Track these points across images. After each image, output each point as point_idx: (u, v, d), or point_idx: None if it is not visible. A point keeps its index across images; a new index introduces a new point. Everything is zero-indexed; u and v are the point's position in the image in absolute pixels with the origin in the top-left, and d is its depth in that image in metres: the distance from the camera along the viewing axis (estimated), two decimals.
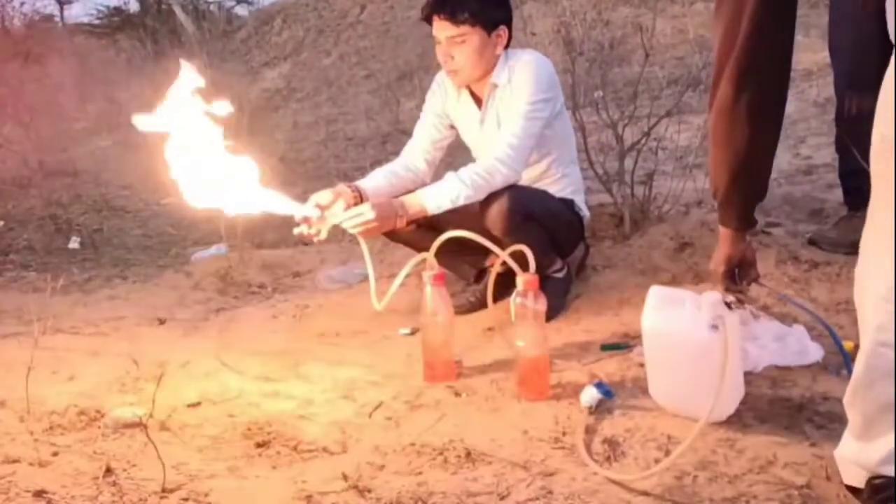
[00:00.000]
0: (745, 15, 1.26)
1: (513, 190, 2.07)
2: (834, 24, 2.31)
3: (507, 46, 2.20)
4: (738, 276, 1.50)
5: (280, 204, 1.95)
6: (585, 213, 2.34)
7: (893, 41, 1.12)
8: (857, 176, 2.27)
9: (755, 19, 1.26)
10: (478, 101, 2.27)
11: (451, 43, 2.14)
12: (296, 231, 2.02)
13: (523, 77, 2.15)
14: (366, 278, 2.48)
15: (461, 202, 2.03)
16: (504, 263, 1.87)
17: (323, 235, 2.01)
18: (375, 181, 2.22)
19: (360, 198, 2.12)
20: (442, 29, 2.14)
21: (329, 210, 2.01)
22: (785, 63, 1.34)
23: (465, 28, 2.12)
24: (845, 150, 2.36)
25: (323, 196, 2.04)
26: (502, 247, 1.88)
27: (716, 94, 1.36)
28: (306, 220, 1.99)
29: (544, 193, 2.22)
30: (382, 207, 2.00)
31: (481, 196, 2.05)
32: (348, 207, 2.03)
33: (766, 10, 1.26)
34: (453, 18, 2.11)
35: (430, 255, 1.91)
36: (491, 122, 2.24)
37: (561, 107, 2.25)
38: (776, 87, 1.35)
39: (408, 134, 2.43)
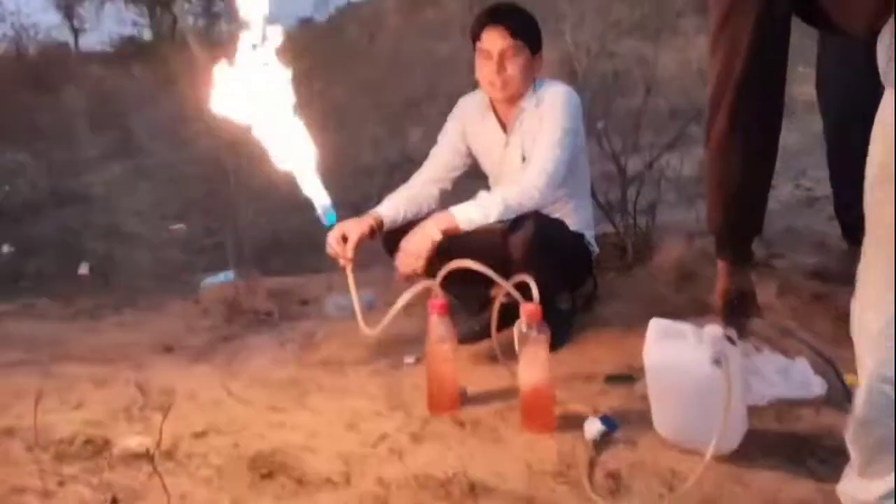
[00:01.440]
0: (739, 56, 1.30)
1: (538, 217, 2.11)
2: (822, 67, 2.34)
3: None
4: (738, 309, 1.51)
5: (312, 187, 2.04)
6: (595, 248, 2.37)
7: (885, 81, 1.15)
8: (852, 210, 2.29)
9: (749, 60, 1.30)
10: (503, 126, 2.32)
11: (504, 55, 2.20)
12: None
13: (555, 105, 2.21)
14: (371, 307, 2.52)
15: (492, 219, 2.07)
16: (509, 294, 1.89)
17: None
18: (395, 212, 2.26)
19: (377, 228, 2.18)
20: (498, 39, 2.20)
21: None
22: (779, 100, 1.38)
23: (519, 41, 2.21)
24: (839, 186, 2.38)
25: (352, 231, 2.12)
26: (509, 274, 1.90)
27: (711, 129, 1.40)
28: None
29: (563, 224, 2.26)
30: (409, 245, 2.05)
31: (510, 216, 2.09)
32: (362, 241, 2.12)
33: (760, 52, 1.30)
34: (511, 30, 2.20)
35: (435, 284, 1.93)
36: (515, 145, 2.29)
37: (583, 140, 2.31)
38: (771, 123, 1.39)
39: (415, 162, 2.46)
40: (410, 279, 2.05)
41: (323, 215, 2.09)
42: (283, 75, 1.98)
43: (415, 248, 2.05)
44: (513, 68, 2.21)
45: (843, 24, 1.27)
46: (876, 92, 1.18)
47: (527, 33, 2.23)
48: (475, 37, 2.26)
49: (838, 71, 2.24)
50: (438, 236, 2.04)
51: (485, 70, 2.25)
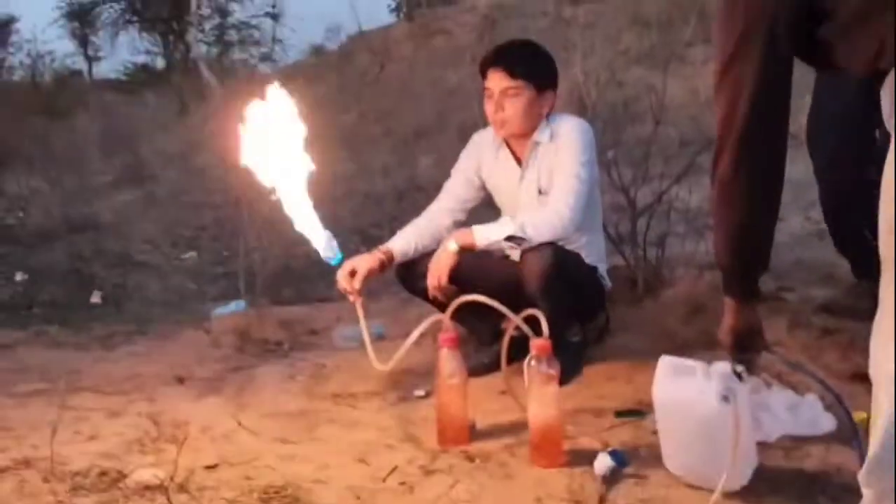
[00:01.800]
0: (743, 99, 1.33)
1: (555, 249, 2.14)
2: (814, 113, 2.36)
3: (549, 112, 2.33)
4: (745, 345, 1.53)
5: (314, 232, 2.14)
6: (607, 283, 2.38)
7: (890, 130, 1.17)
8: (851, 247, 2.31)
9: (753, 104, 1.33)
10: (517, 160, 2.36)
11: (504, 94, 2.26)
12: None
13: (570, 138, 2.25)
14: (381, 338, 2.54)
15: (507, 234, 2.13)
16: (518, 327, 1.90)
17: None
18: (406, 244, 2.32)
19: (387, 262, 2.25)
20: (498, 80, 2.26)
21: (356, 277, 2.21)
22: (782, 140, 1.41)
23: (519, 82, 2.25)
24: (834, 228, 2.40)
25: (361, 265, 2.21)
26: (523, 304, 1.91)
27: (717, 166, 1.43)
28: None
29: (579, 257, 2.28)
30: (433, 262, 2.16)
31: (526, 237, 2.13)
32: (371, 275, 2.20)
33: (764, 96, 1.33)
34: (511, 71, 2.25)
35: (446, 318, 1.95)
36: (530, 180, 2.32)
37: (597, 172, 2.35)
38: (775, 161, 1.41)
39: (424, 191, 2.50)
40: (438, 291, 2.15)
41: (329, 259, 2.17)
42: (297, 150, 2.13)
43: (436, 266, 2.16)
44: (511, 108, 2.26)
45: (846, 63, 1.29)
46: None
47: (530, 73, 2.26)
48: (482, 75, 2.32)
49: (827, 124, 2.25)
50: (455, 247, 2.14)
51: (488, 108, 2.32)
